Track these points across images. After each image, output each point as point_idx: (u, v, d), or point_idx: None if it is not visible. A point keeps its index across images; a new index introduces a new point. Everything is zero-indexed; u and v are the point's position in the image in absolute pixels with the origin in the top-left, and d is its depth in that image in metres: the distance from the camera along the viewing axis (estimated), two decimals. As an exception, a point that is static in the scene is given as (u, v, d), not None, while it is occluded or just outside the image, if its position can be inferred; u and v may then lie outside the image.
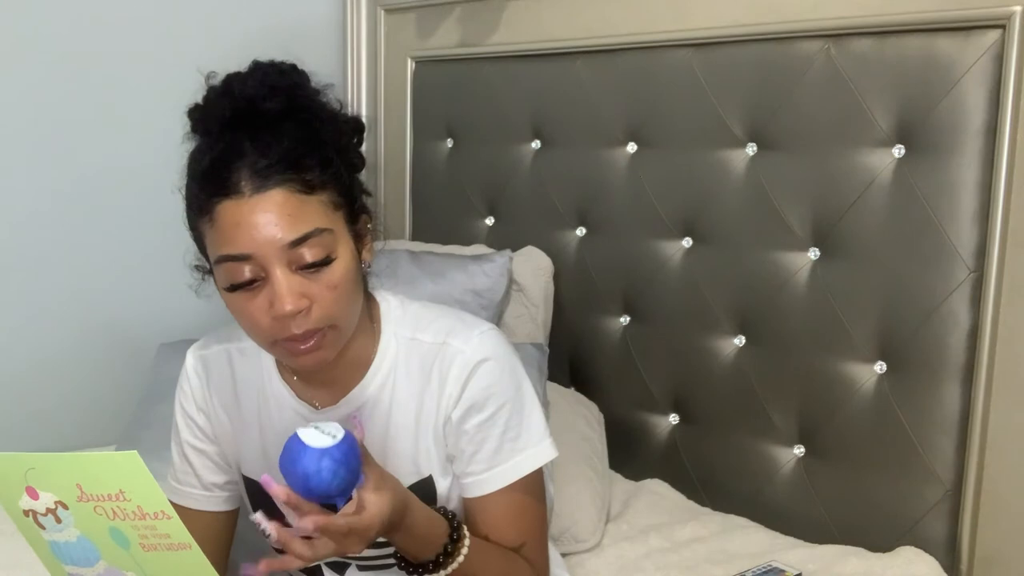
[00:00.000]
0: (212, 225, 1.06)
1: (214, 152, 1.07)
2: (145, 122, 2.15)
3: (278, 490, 0.98)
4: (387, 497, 1.03)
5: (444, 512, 1.16)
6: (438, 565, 1.12)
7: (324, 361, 1.12)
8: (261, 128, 1.07)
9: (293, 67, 1.13)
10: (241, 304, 1.08)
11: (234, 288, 1.07)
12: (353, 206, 1.13)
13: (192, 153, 1.11)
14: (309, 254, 1.05)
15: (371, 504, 1.02)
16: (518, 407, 1.18)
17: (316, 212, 1.06)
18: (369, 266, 1.16)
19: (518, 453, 1.18)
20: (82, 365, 2.21)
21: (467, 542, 1.14)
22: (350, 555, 1.04)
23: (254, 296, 1.06)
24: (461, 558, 1.13)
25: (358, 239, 1.13)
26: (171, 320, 2.17)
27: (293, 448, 1.00)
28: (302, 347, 1.08)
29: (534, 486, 1.22)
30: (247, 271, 1.05)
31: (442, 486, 1.20)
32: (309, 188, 1.06)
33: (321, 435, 1.00)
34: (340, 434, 1.00)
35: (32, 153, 2.11)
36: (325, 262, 1.06)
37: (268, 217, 1.04)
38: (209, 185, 1.06)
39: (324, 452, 0.98)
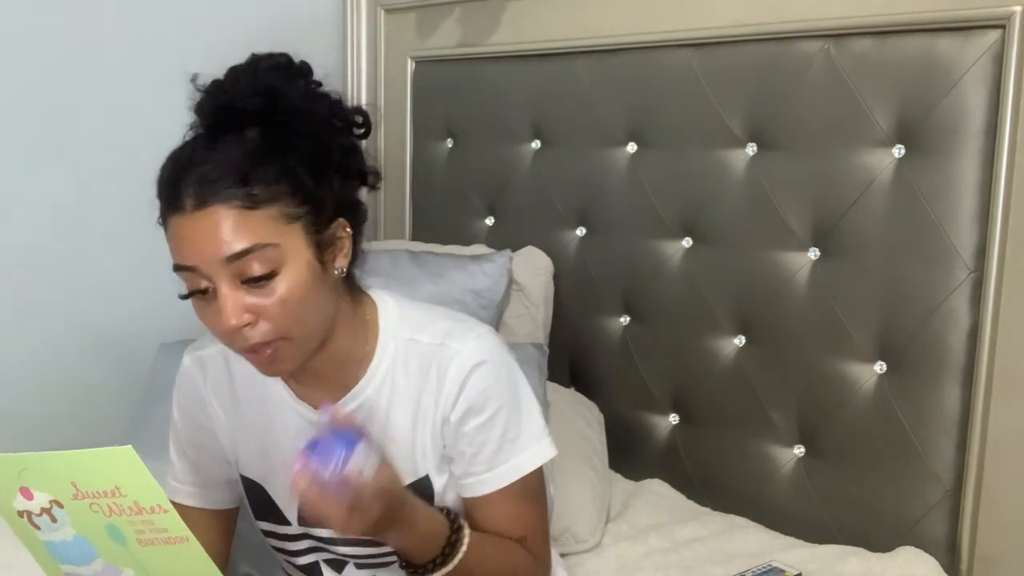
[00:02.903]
0: (167, 235, 1.08)
1: (179, 160, 1.08)
2: (144, 122, 2.14)
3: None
4: (389, 478, 1.06)
5: (441, 509, 1.16)
6: (441, 562, 1.13)
7: (283, 372, 1.13)
8: (231, 132, 1.07)
9: (283, 65, 1.11)
10: (199, 311, 1.09)
11: (189, 295, 1.08)
12: (319, 214, 1.09)
13: (168, 155, 1.11)
14: (250, 269, 1.04)
15: (380, 475, 1.03)
16: (515, 409, 1.19)
17: (259, 227, 1.04)
18: (342, 272, 1.12)
19: (518, 453, 1.18)
20: (82, 365, 2.20)
21: (467, 536, 1.14)
22: (348, 539, 1.03)
23: (208, 304, 1.07)
24: (462, 552, 1.13)
25: (325, 246, 1.10)
26: (171, 320, 2.14)
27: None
28: (257, 358, 1.09)
29: (534, 484, 1.22)
30: (198, 281, 1.06)
31: (438, 484, 1.20)
32: (253, 203, 1.04)
33: None
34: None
35: (32, 153, 2.11)
36: (269, 276, 1.05)
37: (207, 233, 1.04)
38: (162, 198, 1.08)
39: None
